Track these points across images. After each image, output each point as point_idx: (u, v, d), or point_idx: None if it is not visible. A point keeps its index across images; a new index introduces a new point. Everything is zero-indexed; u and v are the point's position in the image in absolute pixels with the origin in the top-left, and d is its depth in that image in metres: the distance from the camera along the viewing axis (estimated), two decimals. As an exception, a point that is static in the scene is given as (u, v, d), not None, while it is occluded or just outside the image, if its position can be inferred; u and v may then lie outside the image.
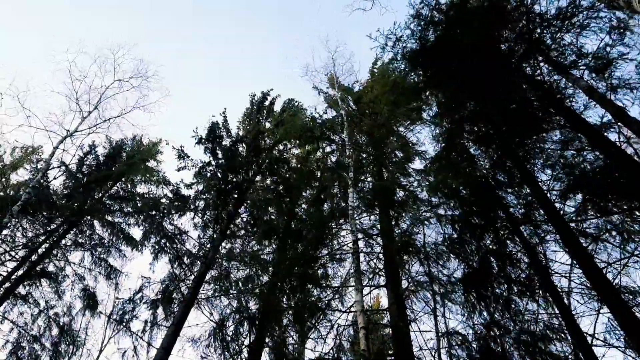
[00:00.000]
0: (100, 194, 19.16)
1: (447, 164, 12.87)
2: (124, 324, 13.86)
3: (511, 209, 11.72)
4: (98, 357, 17.36)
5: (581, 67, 10.87)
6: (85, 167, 19.04)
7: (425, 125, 16.15)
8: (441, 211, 13.13)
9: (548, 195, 10.72)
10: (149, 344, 13.44)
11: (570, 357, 10.18)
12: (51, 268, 17.43)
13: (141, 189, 20.31)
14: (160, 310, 13.87)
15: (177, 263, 14.85)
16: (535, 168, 12.13)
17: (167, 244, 15.07)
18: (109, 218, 18.97)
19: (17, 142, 17.20)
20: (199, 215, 15.80)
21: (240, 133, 18.49)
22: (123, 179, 20.02)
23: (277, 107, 20.12)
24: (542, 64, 11.73)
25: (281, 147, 18.31)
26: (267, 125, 19.15)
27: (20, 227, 17.19)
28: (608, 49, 10.60)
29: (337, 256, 13.71)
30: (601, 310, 10.13)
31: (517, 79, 11.88)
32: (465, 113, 12.81)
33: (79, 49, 38.33)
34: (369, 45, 17.45)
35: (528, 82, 11.70)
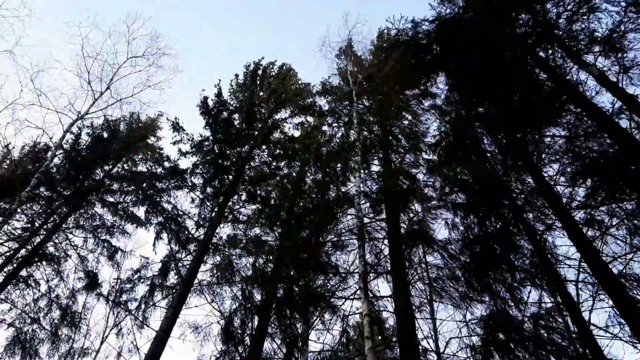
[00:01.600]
0: (102, 175, 19.02)
1: (454, 150, 12.79)
2: (122, 305, 13.86)
3: (516, 197, 11.68)
4: (99, 347, 17.46)
5: (595, 52, 10.72)
6: (82, 146, 18.82)
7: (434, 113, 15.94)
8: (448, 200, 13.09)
9: (556, 189, 10.70)
10: (147, 325, 13.46)
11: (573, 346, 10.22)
12: (52, 250, 17.39)
13: (143, 167, 20.14)
14: (158, 292, 13.85)
15: (176, 243, 14.79)
16: (542, 157, 12.05)
17: (167, 224, 15.02)
18: (110, 198, 18.87)
19: (27, 121, 16.77)
20: (197, 191, 15.74)
21: (235, 104, 18.29)
22: (124, 159, 19.89)
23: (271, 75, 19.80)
24: (555, 49, 11.58)
25: (277, 116, 18.18)
26: (261, 93, 18.88)
27: (23, 206, 17.14)
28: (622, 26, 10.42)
29: (342, 243, 13.67)
30: (605, 301, 10.16)
31: (530, 63, 11.77)
32: (475, 98, 12.68)
33: (92, 22, 37.49)
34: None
35: (540, 66, 11.58)
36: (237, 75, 19.20)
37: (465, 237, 12.15)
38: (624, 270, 9.82)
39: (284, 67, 19.81)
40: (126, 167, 20.07)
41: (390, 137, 15.57)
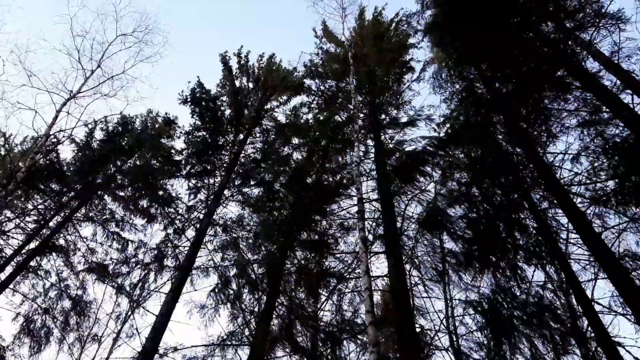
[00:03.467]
0: (113, 170, 19.19)
1: (466, 130, 12.60)
2: (122, 290, 13.96)
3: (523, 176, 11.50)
4: (104, 331, 17.60)
5: (602, 26, 10.43)
6: (95, 140, 19.01)
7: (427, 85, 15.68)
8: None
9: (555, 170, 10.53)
10: (145, 309, 13.55)
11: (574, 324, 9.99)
12: (62, 242, 17.59)
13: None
14: (158, 276, 13.96)
15: (172, 230, 14.84)
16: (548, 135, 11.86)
17: (161, 210, 15.08)
18: (121, 193, 19.01)
19: (19, 103, 16.82)
20: (192, 181, 15.76)
21: (220, 95, 18.32)
22: (136, 155, 20.00)
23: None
24: (560, 23, 11.31)
25: (267, 105, 18.20)
26: (245, 83, 18.83)
27: (31, 200, 17.39)
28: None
29: (345, 223, 13.67)
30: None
31: (534, 37, 11.53)
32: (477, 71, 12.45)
33: (80, 2, 37.59)
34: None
35: (545, 41, 11.32)
36: (223, 70, 19.08)
37: (469, 216, 12.01)
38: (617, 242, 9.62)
39: (271, 58, 19.65)
40: (137, 164, 20.17)
41: (382, 115, 15.47)
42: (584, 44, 10.35)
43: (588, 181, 10.52)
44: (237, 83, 18.56)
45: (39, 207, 17.54)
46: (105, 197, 18.78)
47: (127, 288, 14.08)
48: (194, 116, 16.76)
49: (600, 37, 10.31)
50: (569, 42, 10.74)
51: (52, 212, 17.17)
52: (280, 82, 17.82)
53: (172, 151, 16.37)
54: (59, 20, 27.85)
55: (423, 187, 13.26)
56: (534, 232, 10.84)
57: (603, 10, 10.46)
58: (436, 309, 11.76)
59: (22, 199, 17.29)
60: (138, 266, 14.24)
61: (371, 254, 12.19)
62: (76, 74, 18.04)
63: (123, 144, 19.40)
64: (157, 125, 21.11)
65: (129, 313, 13.70)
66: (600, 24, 10.43)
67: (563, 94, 11.48)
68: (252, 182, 15.63)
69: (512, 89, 11.65)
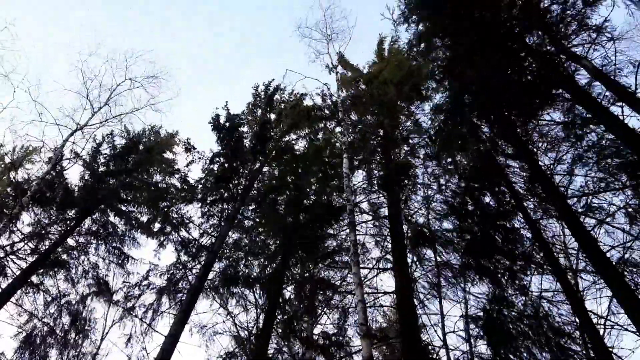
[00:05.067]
0: (116, 184, 19.28)
1: (450, 136, 12.80)
2: (133, 311, 14.06)
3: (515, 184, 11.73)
4: (99, 344, 17.71)
5: (586, 45, 10.68)
6: (100, 156, 19.16)
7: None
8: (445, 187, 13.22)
9: (554, 179, 10.73)
10: (154, 330, 13.67)
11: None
12: (64, 257, 17.64)
13: (156, 179, 20.55)
14: (166, 298, 14.08)
15: (184, 251, 15.00)
16: (539, 145, 12.09)
17: (174, 233, 15.22)
18: (123, 207, 19.14)
19: (28, 135, 17.23)
20: (207, 204, 15.87)
21: (245, 126, 18.41)
22: (139, 169, 20.14)
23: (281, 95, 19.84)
24: (546, 37, 11.54)
25: (287, 138, 18.35)
26: (272, 116, 18.99)
27: (33, 216, 17.44)
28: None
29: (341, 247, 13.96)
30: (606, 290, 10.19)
31: (521, 50, 11.76)
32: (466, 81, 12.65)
33: (91, 51, 38.06)
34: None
35: (532, 53, 11.57)
36: (248, 104, 19.36)
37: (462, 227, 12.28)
38: (623, 259, 9.86)
39: (297, 94, 19.88)
40: (140, 178, 20.30)
41: (389, 135, 15.71)
42: (575, 57, 10.56)
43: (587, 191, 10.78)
44: (261, 113, 18.86)
45: (42, 222, 17.57)
46: (110, 214, 18.89)
47: (138, 310, 14.17)
48: (217, 142, 16.85)
49: (587, 50, 10.54)
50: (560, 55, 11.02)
51: (55, 227, 17.24)
52: (303, 117, 17.96)
53: (189, 177, 16.47)
54: (70, 64, 28.08)
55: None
56: (529, 241, 11.13)
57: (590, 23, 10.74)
58: (433, 323, 12.08)
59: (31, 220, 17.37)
60: (150, 289, 14.31)
61: (378, 270, 12.49)
62: (82, 110, 18.53)
63: (129, 159, 19.50)
64: (159, 140, 21.36)
65: (139, 334, 13.77)
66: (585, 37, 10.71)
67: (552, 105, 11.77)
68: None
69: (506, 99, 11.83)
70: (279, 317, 12.92)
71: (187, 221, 15.14)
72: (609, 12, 10.15)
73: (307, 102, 19.06)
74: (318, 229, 13.85)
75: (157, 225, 16.27)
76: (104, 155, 19.28)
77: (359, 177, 15.76)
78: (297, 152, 17.18)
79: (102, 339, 17.44)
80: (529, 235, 11.24)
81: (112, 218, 19.08)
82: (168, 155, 21.53)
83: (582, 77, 10.83)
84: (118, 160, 19.15)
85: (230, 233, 15.25)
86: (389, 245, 12.94)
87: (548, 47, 11.32)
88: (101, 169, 18.82)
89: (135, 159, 19.85)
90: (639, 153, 9.03)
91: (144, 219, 18.87)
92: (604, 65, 10.35)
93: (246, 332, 13.05)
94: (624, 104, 9.53)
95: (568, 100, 11.20)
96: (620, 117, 9.45)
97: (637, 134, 8.77)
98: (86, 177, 18.56)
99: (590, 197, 10.70)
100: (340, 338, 12.32)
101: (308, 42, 21.28)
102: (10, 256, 16.38)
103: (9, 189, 17.48)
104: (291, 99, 19.22)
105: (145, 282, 14.48)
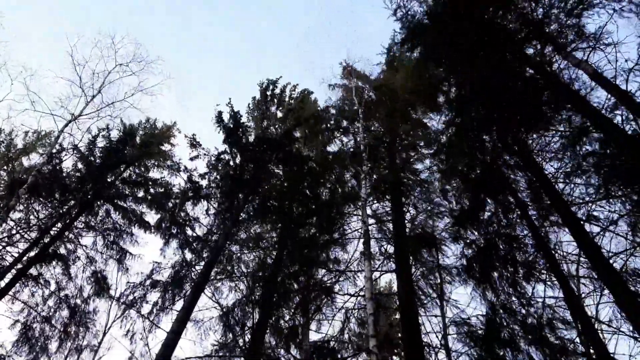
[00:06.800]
0: (113, 178, 19.24)
1: (457, 149, 12.88)
2: (135, 307, 14.07)
3: (520, 194, 11.78)
4: (102, 339, 17.75)
5: (585, 49, 10.73)
6: (97, 149, 19.06)
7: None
8: (451, 197, 13.30)
9: (556, 185, 10.79)
10: (158, 326, 13.69)
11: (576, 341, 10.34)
12: (62, 251, 17.62)
13: (154, 173, 20.50)
14: (169, 295, 14.08)
15: (187, 249, 15.03)
16: (543, 160, 12.15)
17: (178, 231, 15.25)
18: (121, 203, 19.12)
19: (23, 126, 17.24)
20: (212, 203, 15.87)
21: (251, 123, 18.37)
22: (136, 163, 20.13)
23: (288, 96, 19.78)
24: (545, 47, 11.61)
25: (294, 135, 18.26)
26: (279, 114, 18.94)
27: (32, 209, 17.42)
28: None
29: (347, 242, 14.00)
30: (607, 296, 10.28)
31: (520, 61, 11.85)
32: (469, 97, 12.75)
33: (78, 35, 37.88)
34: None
35: (531, 64, 11.65)
36: (254, 98, 19.38)
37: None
38: (625, 266, 9.93)
39: (304, 92, 19.84)
40: (137, 172, 20.25)
41: (397, 142, 15.79)
42: (577, 62, 10.62)
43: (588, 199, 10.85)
44: (267, 110, 18.85)
45: (40, 215, 17.54)
46: (107, 206, 18.85)
47: (140, 307, 14.18)
48: (224, 142, 16.63)
49: (588, 54, 10.59)
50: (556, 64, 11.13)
51: (53, 220, 17.19)
52: (310, 118, 17.92)
53: (195, 174, 16.40)
54: (59, 50, 28.20)
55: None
56: (533, 249, 11.20)
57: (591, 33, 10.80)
58: (434, 326, 12.19)
59: (23, 209, 17.30)
60: (153, 287, 14.32)
61: (381, 272, 12.55)
62: (78, 99, 18.54)
63: (125, 152, 19.46)
64: (156, 132, 21.30)
65: (140, 330, 13.77)
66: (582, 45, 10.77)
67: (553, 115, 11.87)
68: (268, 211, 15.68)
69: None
70: (274, 313, 12.98)
71: (193, 221, 15.18)
72: (606, 23, 10.24)
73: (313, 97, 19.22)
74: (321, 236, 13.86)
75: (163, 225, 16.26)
76: (100, 149, 19.16)
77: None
78: (305, 155, 17.10)
79: (104, 334, 17.49)
80: (531, 243, 11.29)
81: (110, 213, 19.04)
82: (166, 147, 21.31)
83: (581, 85, 10.98)
84: (114, 154, 19.08)
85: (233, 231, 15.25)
86: (392, 249, 13.01)
87: (547, 57, 11.43)
88: (97, 162, 18.70)
89: (132, 152, 19.84)
90: (636, 160, 9.08)
91: (146, 216, 18.88)
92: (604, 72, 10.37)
93: (240, 327, 13.12)
94: (624, 109, 9.64)
95: (568, 109, 11.26)
96: (621, 121, 9.59)
97: (635, 140, 8.85)
98: (83, 171, 18.50)
99: (592, 205, 10.77)
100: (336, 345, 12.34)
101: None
102: (7, 248, 16.38)
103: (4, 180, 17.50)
104: (298, 96, 19.21)
105: (148, 281, 14.48)
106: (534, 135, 12.18)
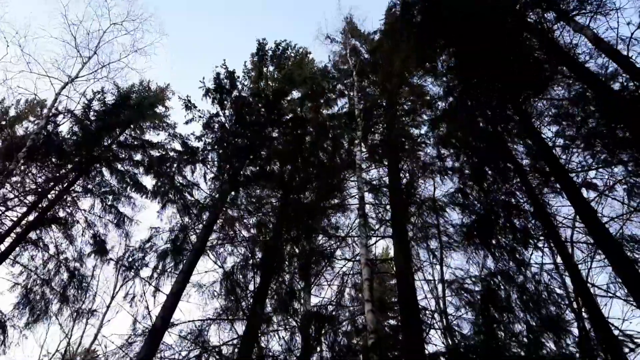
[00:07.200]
0: (109, 141, 19.16)
1: (456, 116, 12.79)
2: (133, 270, 14.20)
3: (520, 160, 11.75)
4: (110, 303, 17.97)
5: (587, 14, 10.54)
6: (92, 113, 18.92)
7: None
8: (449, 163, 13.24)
9: (553, 149, 10.75)
10: (158, 289, 13.82)
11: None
12: (61, 214, 17.64)
13: (150, 135, 20.45)
14: (169, 258, 14.17)
15: (185, 213, 15.08)
16: (541, 124, 12.08)
17: (177, 196, 15.27)
18: (118, 166, 19.06)
19: (19, 88, 17.14)
20: (208, 167, 15.83)
21: (246, 83, 18.06)
22: (132, 126, 20.00)
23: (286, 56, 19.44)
24: (546, 12, 11.42)
25: (290, 97, 18.04)
26: (276, 75, 18.64)
27: (29, 174, 17.41)
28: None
29: (343, 207, 13.98)
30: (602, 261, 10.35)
31: (520, 27, 11.68)
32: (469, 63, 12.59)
33: None
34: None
35: (531, 30, 11.49)
36: (253, 54, 18.97)
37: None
38: (621, 230, 9.98)
39: (301, 50, 19.51)
40: (133, 135, 20.15)
41: (393, 106, 15.61)
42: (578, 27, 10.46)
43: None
44: (264, 70, 18.57)
45: (38, 180, 17.54)
46: (103, 170, 18.81)
47: (139, 271, 14.31)
48: (214, 103, 16.58)
49: (589, 19, 10.41)
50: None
51: (50, 184, 17.19)
52: (308, 79, 17.64)
53: (191, 137, 16.31)
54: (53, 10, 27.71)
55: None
56: (531, 217, 11.22)
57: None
58: (432, 290, 12.27)
59: (20, 173, 17.28)
60: (152, 251, 14.42)
61: (377, 237, 12.59)
62: (74, 60, 18.54)
63: (120, 115, 19.32)
64: (150, 94, 21.13)
65: (142, 295, 13.92)
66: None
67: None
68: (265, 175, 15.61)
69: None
70: (275, 278, 13.09)
71: (192, 185, 15.17)
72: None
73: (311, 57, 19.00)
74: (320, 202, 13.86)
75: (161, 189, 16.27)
76: (95, 112, 19.05)
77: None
78: (304, 117, 16.94)
79: (112, 298, 17.64)
80: (530, 210, 11.30)
81: (107, 177, 19.06)
82: (160, 109, 21.31)
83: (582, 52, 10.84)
84: (109, 117, 18.97)
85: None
86: (389, 214, 13.01)
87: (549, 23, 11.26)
88: (93, 125, 18.59)
89: (127, 114, 19.66)
90: (633, 129, 9.04)
91: (142, 179, 18.86)
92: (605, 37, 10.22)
93: (242, 291, 13.25)
94: (626, 75, 9.56)
95: (568, 76, 11.17)
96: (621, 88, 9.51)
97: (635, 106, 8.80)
98: (79, 134, 18.43)
99: (590, 172, 10.79)
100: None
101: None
102: (6, 213, 16.41)
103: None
104: (297, 56, 18.97)
105: (147, 245, 14.56)
106: (534, 101, 12.08)
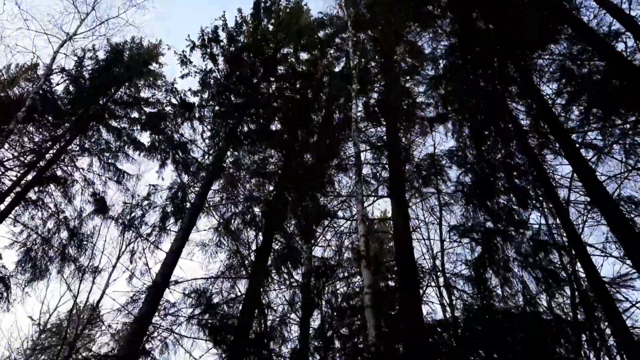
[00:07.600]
0: (105, 99, 18.96)
1: (455, 75, 12.65)
2: (133, 228, 14.32)
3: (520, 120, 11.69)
4: (116, 263, 18.15)
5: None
6: (85, 71, 18.67)
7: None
8: (450, 124, 13.18)
9: (553, 109, 10.67)
10: (157, 247, 13.98)
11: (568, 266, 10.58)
12: (59, 173, 17.61)
13: (145, 93, 20.21)
14: (169, 216, 14.24)
15: (185, 171, 15.08)
16: (540, 80, 11.95)
17: (174, 152, 15.22)
18: (114, 124, 18.94)
19: (17, 46, 16.83)
20: (205, 124, 15.74)
21: (242, 38, 17.60)
22: (127, 84, 19.78)
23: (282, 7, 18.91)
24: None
25: (286, 50, 17.74)
26: (270, 27, 18.26)
27: (26, 133, 17.29)
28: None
29: (343, 166, 13.97)
30: (601, 221, 10.43)
31: None
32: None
33: None
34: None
35: None
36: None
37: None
38: (619, 189, 10.04)
39: (298, 1, 18.96)
40: (128, 92, 19.93)
41: (392, 60, 15.37)
42: None
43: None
44: (260, 25, 17.99)
45: (35, 139, 17.43)
46: (100, 128, 18.66)
47: (140, 229, 14.41)
48: (205, 58, 16.35)
49: None
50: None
51: (48, 144, 17.11)
52: (304, 31, 17.24)
53: (188, 93, 16.10)
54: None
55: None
56: (530, 177, 11.23)
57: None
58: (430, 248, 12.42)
59: (17, 132, 17.16)
60: (152, 208, 14.47)
61: (375, 197, 12.63)
62: (72, 17, 17.97)
63: (114, 72, 19.06)
64: (142, 51, 20.78)
65: (142, 252, 14.06)
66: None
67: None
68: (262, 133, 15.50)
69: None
70: (277, 237, 13.22)
71: (189, 142, 15.10)
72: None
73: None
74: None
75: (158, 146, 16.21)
76: (88, 70, 18.76)
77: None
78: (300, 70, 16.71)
79: (118, 258, 17.78)
80: (529, 170, 11.31)
81: (104, 135, 18.90)
82: (154, 66, 20.84)
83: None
84: (102, 73, 18.69)
85: (230, 152, 15.25)
86: (386, 174, 13.02)
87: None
88: (87, 84, 18.36)
89: (121, 72, 19.32)
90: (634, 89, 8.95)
91: (139, 136, 18.74)
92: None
93: (245, 249, 13.41)
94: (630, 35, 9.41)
95: (571, 37, 11.00)
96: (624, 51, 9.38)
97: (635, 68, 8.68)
98: (74, 93, 18.16)
99: (589, 133, 10.74)
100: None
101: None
102: (6, 173, 16.39)
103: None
104: (292, 7, 18.64)
105: (146, 202, 14.62)
106: (534, 57, 11.92)
